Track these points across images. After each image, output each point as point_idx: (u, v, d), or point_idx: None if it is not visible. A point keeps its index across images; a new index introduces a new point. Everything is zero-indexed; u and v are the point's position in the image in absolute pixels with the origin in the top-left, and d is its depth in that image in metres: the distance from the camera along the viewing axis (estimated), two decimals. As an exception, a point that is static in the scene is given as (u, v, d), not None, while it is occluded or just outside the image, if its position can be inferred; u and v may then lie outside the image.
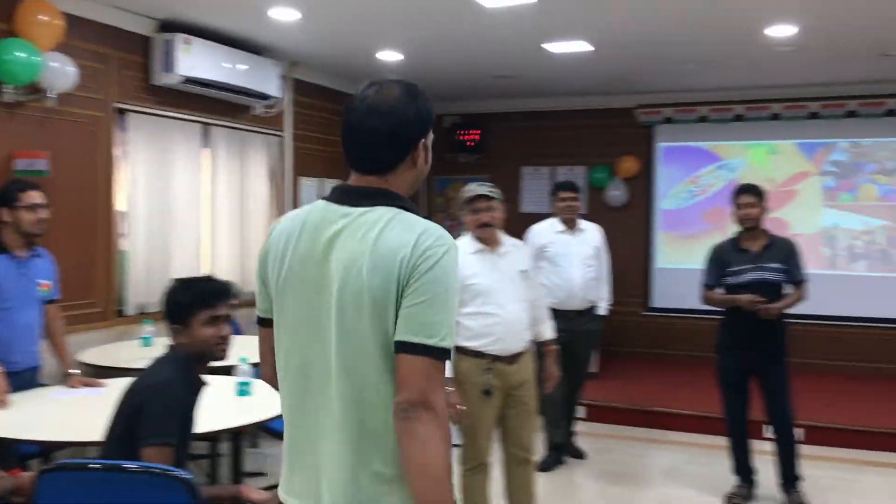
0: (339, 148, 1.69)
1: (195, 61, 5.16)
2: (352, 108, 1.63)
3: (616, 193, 7.90)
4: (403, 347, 1.48)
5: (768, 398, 4.29)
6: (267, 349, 1.73)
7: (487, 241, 3.52)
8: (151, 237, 5.24)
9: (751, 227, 4.25)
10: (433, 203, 8.87)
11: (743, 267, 4.23)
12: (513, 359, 3.50)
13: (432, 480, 1.45)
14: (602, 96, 7.92)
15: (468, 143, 8.42)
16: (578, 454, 5.10)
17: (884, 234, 7.25)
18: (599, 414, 5.80)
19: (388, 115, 1.58)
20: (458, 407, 3.31)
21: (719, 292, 4.32)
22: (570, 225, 4.92)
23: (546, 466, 4.85)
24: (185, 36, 5.09)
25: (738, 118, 7.57)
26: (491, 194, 3.49)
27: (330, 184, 7.37)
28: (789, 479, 4.31)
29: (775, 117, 7.45)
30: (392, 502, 1.53)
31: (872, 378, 7.00)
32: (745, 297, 4.14)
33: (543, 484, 4.62)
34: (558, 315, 4.52)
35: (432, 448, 1.45)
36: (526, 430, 3.62)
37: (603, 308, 5.06)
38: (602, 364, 6.54)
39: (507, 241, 3.61)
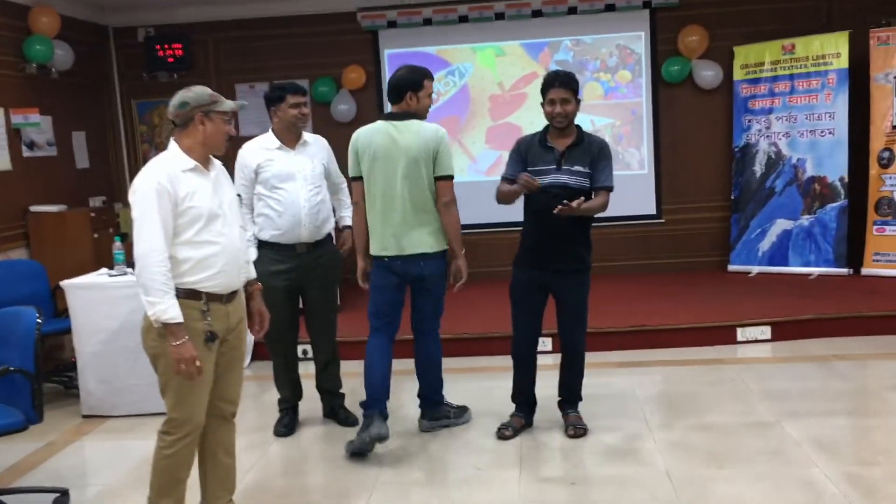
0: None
1: None
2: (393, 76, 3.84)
3: (344, 108, 7.21)
4: (440, 178, 3.72)
5: (561, 316, 3.88)
6: (360, 190, 3.81)
7: (203, 160, 2.86)
8: None
9: (563, 125, 3.72)
10: (135, 133, 7.59)
11: (543, 167, 3.71)
12: (231, 296, 2.92)
13: (457, 230, 3.80)
14: (320, 0, 7.13)
15: (169, 60, 7.24)
16: (347, 420, 4.24)
17: (610, 133, 7.29)
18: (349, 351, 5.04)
19: (397, 77, 3.81)
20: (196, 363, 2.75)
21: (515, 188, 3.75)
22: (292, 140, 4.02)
23: (287, 430, 4.16)
24: None
25: (463, 19, 7.19)
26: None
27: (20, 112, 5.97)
28: (570, 399, 4.02)
29: (500, 17, 7.17)
30: (431, 238, 3.77)
31: (619, 276, 7.05)
32: (521, 177, 3.63)
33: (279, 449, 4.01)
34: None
35: (456, 217, 3.80)
36: (235, 378, 3.04)
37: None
38: (344, 296, 5.88)
39: (214, 161, 2.96)
